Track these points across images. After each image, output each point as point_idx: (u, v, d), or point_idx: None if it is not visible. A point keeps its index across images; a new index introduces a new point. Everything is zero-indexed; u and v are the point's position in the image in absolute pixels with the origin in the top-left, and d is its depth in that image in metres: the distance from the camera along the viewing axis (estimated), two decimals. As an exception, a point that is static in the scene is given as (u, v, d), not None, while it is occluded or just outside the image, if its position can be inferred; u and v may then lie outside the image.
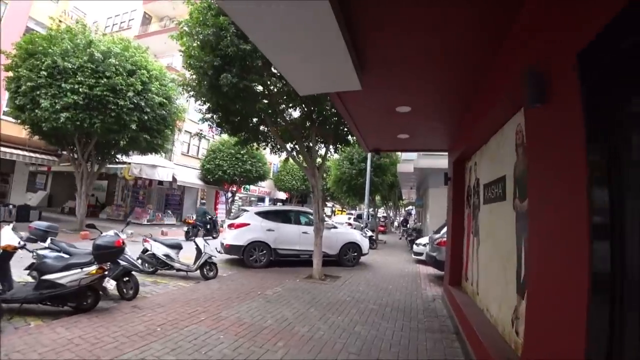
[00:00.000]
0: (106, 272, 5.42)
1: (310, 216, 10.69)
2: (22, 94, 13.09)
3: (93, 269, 5.20)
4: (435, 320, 5.93)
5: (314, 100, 8.36)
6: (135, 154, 20.02)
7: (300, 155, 9.68)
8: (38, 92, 12.76)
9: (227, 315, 5.60)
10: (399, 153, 18.77)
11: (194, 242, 8.48)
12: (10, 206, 17.06)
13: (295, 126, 9.31)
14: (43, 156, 19.11)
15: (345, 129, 9.33)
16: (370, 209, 19.48)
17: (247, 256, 9.99)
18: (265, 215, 10.52)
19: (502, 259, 3.81)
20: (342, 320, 5.64)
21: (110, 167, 21.03)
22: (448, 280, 6.59)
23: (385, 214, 37.21)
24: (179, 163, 25.08)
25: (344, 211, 44.91)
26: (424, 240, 12.51)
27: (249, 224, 10.21)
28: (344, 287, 8.14)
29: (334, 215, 41.13)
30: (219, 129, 10.02)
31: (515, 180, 3.49)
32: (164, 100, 14.97)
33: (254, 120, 9.56)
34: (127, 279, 6.18)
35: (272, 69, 7.73)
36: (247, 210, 10.72)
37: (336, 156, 20.53)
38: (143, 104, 13.89)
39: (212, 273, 8.40)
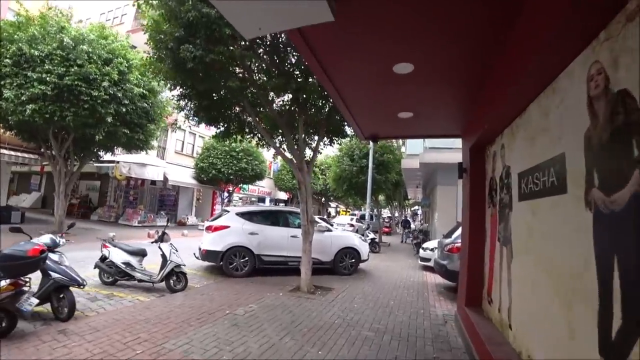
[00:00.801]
0: (25, 288, 4.40)
1: (301, 217, 9.37)
2: (-14, 85, 11.97)
3: (2, 285, 4.09)
4: (448, 354, 4.50)
5: (300, 82, 7.01)
6: (120, 151, 18.99)
7: (286, 148, 8.30)
8: (2, 82, 11.74)
9: (172, 348, 4.24)
10: (403, 149, 17.35)
11: (159, 247, 7.14)
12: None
13: (279, 114, 7.94)
14: (25, 154, 17.96)
15: (340, 117, 7.97)
16: (373, 209, 17.91)
17: (226, 263, 8.64)
18: (247, 216, 9.15)
19: (560, 289, 2.38)
20: (324, 358, 4.23)
21: (101, 167, 20.28)
22: (464, 299, 5.15)
23: (390, 214, 35.72)
24: (171, 162, 23.89)
25: (348, 211, 43.41)
26: (431, 244, 11.08)
27: (228, 227, 8.86)
28: (335, 303, 6.72)
29: (338, 215, 39.63)
30: (195, 119, 8.67)
31: (592, 158, 2.06)
32: (145, 92, 13.68)
33: (234, 107, 8.25)
34: (62, 295, 5.00)
35: (245, 40, 6.38)
36: (228, 211, 9.35)
37: (333, 151, 19.17)
38: (120, 95, 12.73)
39: (180, 285, 7.13)
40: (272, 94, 7.86)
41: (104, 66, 12.34)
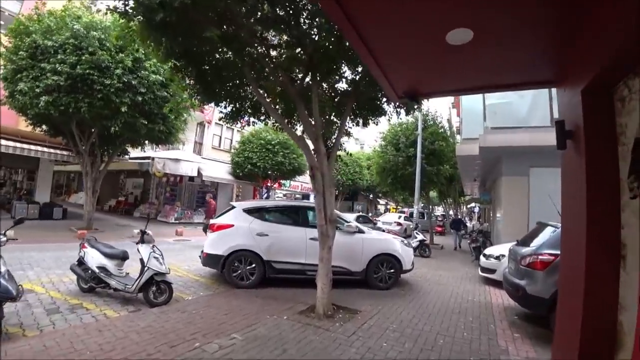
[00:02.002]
0: None
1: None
2: (7, 79, 11.80)
3: None
4: None
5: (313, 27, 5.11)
6: (159, 148, 18.40)
7: (302, 124, 6.43)
8: (19, 76, 11.35)
9: None
10: (457, 137, 14.75)
11: (137, 250, 5.79)
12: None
13: (291, 80, 6.09)
14: (63, 152, 17.89)
15: (375, 88, 5.98)
16: (426, 207, 15.38)
17: (228, 271, 6.98)
18: (257, 213, 7.39)
19: None
20: None
21: (142, 164, 20.06)
22: (570, 352, 2.87)
23: (444, 212, 32.53)
24: (208, 157, 23.06)
25: (398, 209, 40.64)
26: (496, 250, 8.62)
27: (231, 226, 7.17)
28: (356, 337, 4.69)
29: (388, 212, 36.97)
30: (198, 97, 7.11)
31: None
32: (164, 79, 12.56)
33: (236, 80, 6.55)
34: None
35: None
36: (234, 206, 7.66)
37: (377, 140, 16.97)
38: (136, 83, 11.85)
39: (162, 297, 5.71)
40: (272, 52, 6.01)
41: (117, 53, 11.60)
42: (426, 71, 3.73)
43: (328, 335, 4.71)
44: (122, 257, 5.92)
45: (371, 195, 38.80)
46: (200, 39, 5.22)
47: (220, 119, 8.25)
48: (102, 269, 5.71)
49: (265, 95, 6.86)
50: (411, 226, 16.35)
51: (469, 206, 40.72)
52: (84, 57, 10.92)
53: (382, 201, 47.19)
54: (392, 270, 7.31)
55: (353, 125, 8.34)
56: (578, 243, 2.89)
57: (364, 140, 48.19)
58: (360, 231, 7.33)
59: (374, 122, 8.63)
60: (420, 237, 12.75)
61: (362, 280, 7.25)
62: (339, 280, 7.02)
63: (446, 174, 18.52)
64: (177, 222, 20.29)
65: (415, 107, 8.59)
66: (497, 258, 8.05)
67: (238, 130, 24.37)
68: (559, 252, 4.53)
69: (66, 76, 10.77)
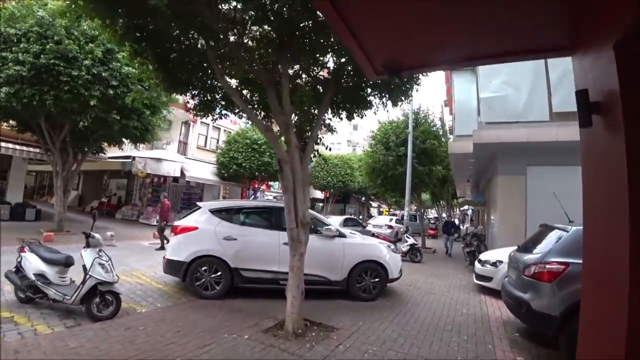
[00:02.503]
0: None
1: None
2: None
3: None
4: None
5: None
6: (134, 146, 17.59)
7: (272, 111, 5.63)
8: None
9: None
10: (450, 137, 14.06)
11: (80, 255, 5.03)
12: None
13: (259, 58, 5.32)
14: (36, 150, 16.91)
15: (359, 77, 5.27)
16: (419, 209, 14.59)
17: (191, 279, 6.18)
18: (224, 214, 6.58)
19: None
20: None
21: (125, 163, 19.25)
22: None
23: (436, 215, 31.88)
24: (193, 157, 22.19)
25: (390, 211, 39.89)
26: (492, 255, 7.88)
27: (195, 228, 6.36)
28: (329, 363, 3.90)
29: (380, 215, 36.19)
30: (159, 85, 6.28)
31: None
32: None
33: (198, 64, 5.75)
34: None
35: None
36: (200, 207, 6.84)
37: (367, 139, 16.21)
38: (107, 75, 11.00)
39: (108, 310, 4.92)
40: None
41: (87, 43, 10.85)
42: (412, 36, 2.95)
43: (295, 359, 3.91)
44: (66, 263, 5.14)
45: (363, 198, 38.05)
46: (146, 9, 4.41)
47: (189, 110, 7.41)
48: (41, 276, 4.95)
49: (236, 85, 6.11)
50: (402, 229, 15.59)
51: (462, 209, 40.14)
52: (48, 46, 10.14)
53: (374, 204, 46.46)
54: (377, 279, 6.51)
55: (336, 118, 7.61)
56: (615, 247, 2.07)
57: (356, 142, 47.57)
58: (341, 235, 6.52)
59: (359, 115, 7.88)
60: (411, 240, 12.00)
61: (343, 291, 6.45)
62: (316, 290, 6.24)
63: (439, 175, 17.83)
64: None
65: (404, 99, 7.84)
66: (494, 264, 7.31)
67: (225, 130, 23.57)
68: (570, 259, 3.80)
69: (29, 66, 9.97)
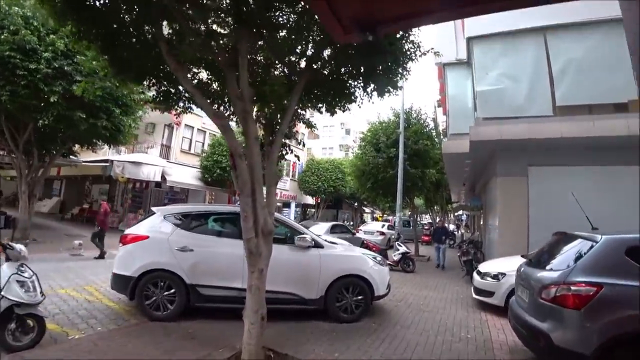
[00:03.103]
0: None
1: (280, 222, 5.74)
2: None
3: None
4: None
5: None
6: (115, 149, 16.61)
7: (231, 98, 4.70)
8: None
9: None
10: (443, 137, 13.21)
11: None
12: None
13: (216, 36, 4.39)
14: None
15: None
16: (413, 215, 13.58)
17: (140, 297, 5.20)
18: (182, 220, 5.60)
19: None
20: None
21: (105, 167, 18.21)
22: None
23: (430, 221, 30.99)
24: (177, 161, 21.15)
25: (383, 217, 38.93)
26: (493, 266, 6.95)
27: (146, 237, 5.37)
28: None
29: (375, 221, 35.13)
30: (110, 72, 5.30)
31: None
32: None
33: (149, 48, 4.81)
34: None
35: None
36: (155, 212, 5.85)
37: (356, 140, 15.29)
38: (70, 69, 10.04)
39: (27, 337, 3.95)
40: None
41: (48, 35, 9.90)
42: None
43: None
44: None
45: (356, 204, 37.11)
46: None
47: (151, 105, 6.45)
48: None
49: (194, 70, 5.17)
50: (393, 236, 14.66)
51: (456, 214, 39.31)
52: (3, 37, 9.26)
53: (367, 209, 45.49)
54: (360, 297, 5.52)
55: (315, 112, 6.73)
56: None
57: (349, 146, 46.68)
58: (318, 245, 5.53)
59: (341, 109, 6.96)
60: (402, 249, 11.05)
61: (321, 310, 5.47)
62: (289, 311, 5.29)
63: (432, 179, 16.96)
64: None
65: (392, 89, 6.96)
66: (496, 277, 6.37)
67: (210, 133, 22.53)
68: (604, 279, 2.88)
69: (-19, 59, 9.04)
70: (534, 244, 8.30)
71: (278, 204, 31.66)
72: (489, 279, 6.48)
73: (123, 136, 13.20)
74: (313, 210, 33.98)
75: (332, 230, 12.81)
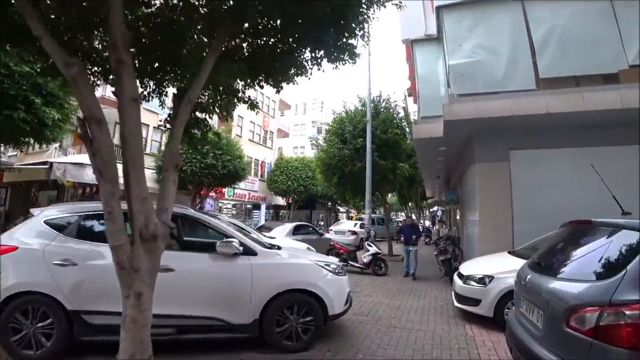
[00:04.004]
0: None
1: (207, 223, 4.35)
2: None
3: None
4: None
5: None
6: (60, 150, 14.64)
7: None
8: None
9: None
10: (412, 114, 12.12)
11: None
12: None
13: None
14: None
15: None
16: (380, 212, 12.29)
17: (3, 331, 3.68)
18: (67, 224, 4.11)
19: None
20: None
21: (48, 172, 16.15)
22: None
23: (405, 218, 30.09)
24: (130, 163, 19.22)
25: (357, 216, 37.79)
26: (476, 267, 5.78)
27: (14, 248, 3.87)
28: None
29: (350, 220, 33.94)
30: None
31: None
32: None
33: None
34: None
35: None
36: (33, 214, 4.34)
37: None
38: None
39: None
40: None
41: None
42: None
43: None
44: None
45: (329, 203, 35.85)
46: None
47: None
48: None
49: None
50: (362, 236, 13.46)
51: (431, 210, 38.72)
52: None
53: (342, 209, 44.33)
54: (308, 319, 4.18)
55: (254, 86, 5.34)
56: None
57: (317, 139, 45.37)
58: (249, 252, 4.14)
59: (287, 81, 5.63)
60: (373, 249, 9.83)
61: (256, 338, 4.09)
62: (213, 341, 3.92)
63: (405, 174, 15.90)
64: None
65: (346, 58, 5.65)
66: (481, 282, 5.18)
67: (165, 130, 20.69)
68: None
69: None
70: (520, 238, 7.24)
71: (248, 205, 30.02)
72: (473, 283, 5.28)
73: (50, 131, 11.40)
74: (286, 211, 32.42)
75: (296, 231, 11.46)
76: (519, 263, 5.31)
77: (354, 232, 16.63)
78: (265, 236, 8.41)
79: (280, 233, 10.86)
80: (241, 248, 4.01)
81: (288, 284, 4.12)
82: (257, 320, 4.00)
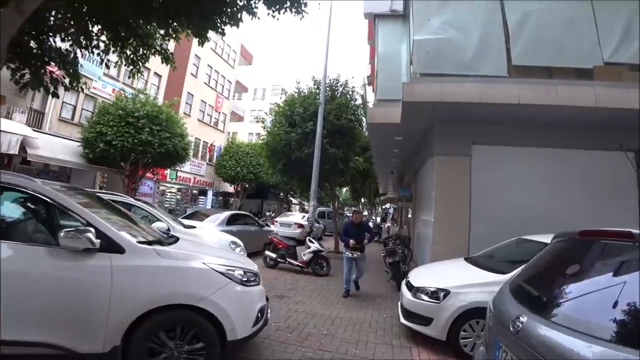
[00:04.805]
0: None
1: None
2: None
3: None
4: None
5: None
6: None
7: None
8: None
9: None
10: (370, 104, 11.18)
11: None
12: None
13: None
14: None
15: None
16: (314, 202, 11.06)
17: None
18: None
19: None
20: None
21: None
22: None
23: (352, 213, 29.48)
24: (53, 132, 16.80)
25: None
26: (427, 278, 4.80)
27: None
28: None
29: (296, 213, 32.80)
30: None
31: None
32: None
33: None
34: None
35: None
36: None
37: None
38: None
39: None
40: None
41: None
42: None
43: None
44: None
45: (281, 194, 34.53)
46: None
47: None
48: None
49: None
50: (304, 230, 12.39)
51: (383, 207, 38.64)
52: None
53: (295, 200, 43.16)
54: (198, 345, 2.95)
55: (172, 34, 4.07)
56: None
57: (264, 119, 43.60)
58: (112, 248, 2.83)
59: (215, 29, 4.39)
60: (314, 246, 8.73)
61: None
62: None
63: (360, 167, 14.99)
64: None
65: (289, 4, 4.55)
66: (435, 296, 4.19)
67: (104, 101, 18.24)
68: None
69: None
70: (476, 242, 6.46)
71: (194, 191, 27.94)
72: (424, 298, 4.28)
73: None
74: (235, 199, 30.59)
75: (233, 221, 10.10)
76: (478, 274, 4.39)
77: (300, 225, 15.47)
78: (191, 227, 7.04)
79: (212, 222, 9.49)
80: (98, 241, 2.68)
81: (167, 297, 2.84)
82: (117, 347, 2.70)
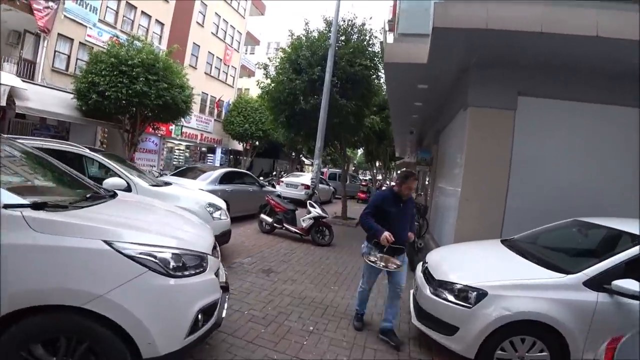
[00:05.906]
0: None
1: None
2: None
3: None
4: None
5: None
6: None
7: None
8: None
9: None
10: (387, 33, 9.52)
11: None
12: None
13: None
14: None
15: None
16: (319, 161, 9.63)
17: None
18: None
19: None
20: None
21: None
22: None
23: (370, 177, 28.24)
24: (46, 83, 15.66)
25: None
26: (454, 267, 3.52)
27: None
28: None
29: (305, 173, 31.54)
30: None
31: None
32: None
33: None
34: None
35: None
36: None
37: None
38: None
39: None
40: None
41: None
42: None
43: None
44: None
45: (293, 153, 33.22)
46: None
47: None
48: None
49: None
50: (305, 192, 11.21)
51: (399, 172, 37.09)
52: None
53: (308, 161, 41.82)
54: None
55: None
56: None
57: (267, 65, 41.45)
58: None
59: None
60: (315, 212, 7.54)
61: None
62: None
63: (376, 127, 13.53)
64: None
65: None
66: (464, 296, 2.91)
67: (100, 49, 16.81)
68: None
69: None
70: (510, 219, 5.16)
71: (203, 148, 26.88)
72: (449, 297, 3.01)
73: None
74: (246, 158, 29.45)
75: (227, 179, 8.95)
76: (528, 269, 3.01)
77: (307, 187, 14.30)
78: (167, 184, 5.88)
79: (203, 180, 8.37)
80: None
81: (38, 294, 1.70)
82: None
